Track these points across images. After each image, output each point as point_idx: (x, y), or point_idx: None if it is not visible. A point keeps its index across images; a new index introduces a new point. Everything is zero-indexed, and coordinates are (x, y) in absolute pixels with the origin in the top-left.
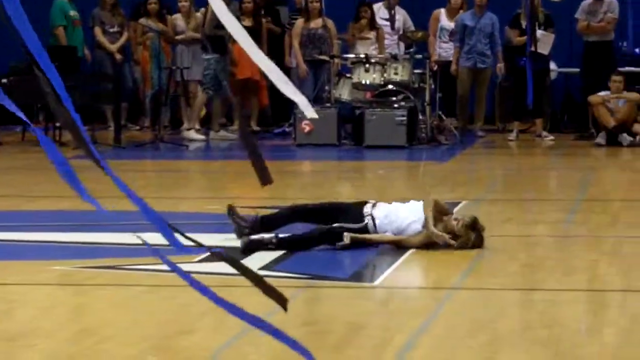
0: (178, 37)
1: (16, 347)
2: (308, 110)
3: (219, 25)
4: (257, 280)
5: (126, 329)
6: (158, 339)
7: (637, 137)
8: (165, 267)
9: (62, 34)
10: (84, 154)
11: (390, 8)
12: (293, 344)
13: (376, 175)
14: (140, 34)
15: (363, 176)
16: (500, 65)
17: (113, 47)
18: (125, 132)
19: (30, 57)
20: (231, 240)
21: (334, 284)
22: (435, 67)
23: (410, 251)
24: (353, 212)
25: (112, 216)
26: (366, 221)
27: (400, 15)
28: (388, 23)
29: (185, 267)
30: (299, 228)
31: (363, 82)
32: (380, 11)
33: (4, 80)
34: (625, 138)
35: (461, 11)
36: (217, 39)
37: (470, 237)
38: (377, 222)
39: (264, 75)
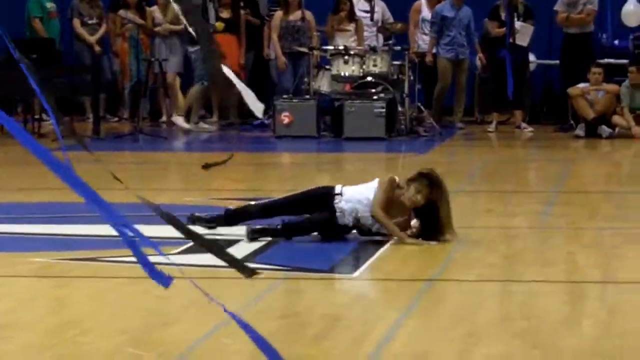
0: (157, 29)
1: None
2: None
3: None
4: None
5: (106, 321)
6: (138, 331)
7: (616, 129)
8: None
9: (39, 25)
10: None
11: (369, 0)
12: (260, 342)
13: (355, 166)
14: (119, 25)
15: (342, 168)
16: (481, 56)
17: (92, 39)
18: (104, 123)
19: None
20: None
21: (313, 275)
22: (417, 59)
23: (390, 243)
24: (322, 204)
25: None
26: (338, 212)
27: (380, 7)
28: (367, 15)
29: (161, 259)
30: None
31: (342, 74)
32: (359, 3)
33: None
34: (605, 130)
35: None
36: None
37: (434, 195)
38: (346, 211)
39: (242, 67)
